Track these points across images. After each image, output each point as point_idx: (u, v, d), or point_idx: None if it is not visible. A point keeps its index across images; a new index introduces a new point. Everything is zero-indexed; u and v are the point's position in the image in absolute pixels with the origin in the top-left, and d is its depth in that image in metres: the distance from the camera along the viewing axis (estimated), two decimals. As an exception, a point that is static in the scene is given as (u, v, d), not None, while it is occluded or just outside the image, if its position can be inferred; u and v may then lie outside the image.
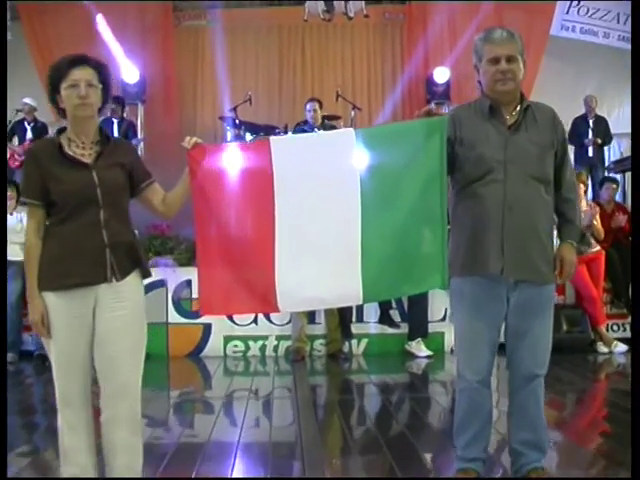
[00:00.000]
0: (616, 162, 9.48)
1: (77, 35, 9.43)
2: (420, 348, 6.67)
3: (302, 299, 2.93)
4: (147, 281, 2.88)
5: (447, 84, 10.01)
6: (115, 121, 9.18)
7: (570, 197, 2.96)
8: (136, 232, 2.90)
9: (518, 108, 2.90)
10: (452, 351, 6.63)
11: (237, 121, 8.81)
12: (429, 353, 6.63)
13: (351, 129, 3.00)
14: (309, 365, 6.59)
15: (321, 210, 2.89)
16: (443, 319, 6.84)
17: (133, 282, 2.77)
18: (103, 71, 2.76)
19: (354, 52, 10.75)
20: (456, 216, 2.92)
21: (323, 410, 5.18)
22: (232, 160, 2.89)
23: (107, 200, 2.70)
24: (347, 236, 2.88)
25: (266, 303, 2.92)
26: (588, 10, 10.36)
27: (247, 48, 10.64)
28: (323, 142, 3.03)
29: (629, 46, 9.39)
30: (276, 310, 2.96)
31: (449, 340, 6.77)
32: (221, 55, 10.43)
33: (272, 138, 2.93)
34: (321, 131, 6.40)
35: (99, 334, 2.71)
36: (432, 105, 3.02)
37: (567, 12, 10.26)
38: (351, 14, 10.43)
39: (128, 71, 9.84)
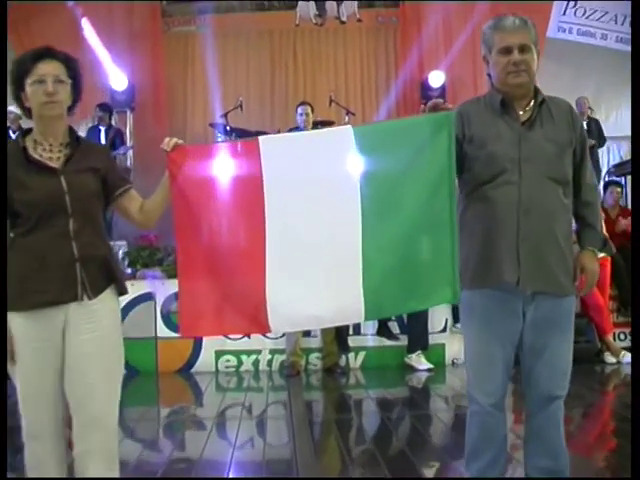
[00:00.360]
0: (616, 166, 9.33)
1: (63, 40, 9.21)
2: (420, 361, 6.46)
3: (296, 318, 2.67)
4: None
5: (442, 88, 9.85)
6: (102, 129, 9.08)
7: (590, 200, 2.72)
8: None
9: (532, 103, 2.66)
10: (453, 364, 6.58)
11: (228, 128, 8.65)
12: (430, 366, 6.43)
13: (349, 126, 2.70)
14: (304, 380, 6.39)
15: (317, 218, 2.63)
16: (444, 330, 6.66)
17: (107, 300, 2.51)
18: (73, 65, 2.50)
19: (347, 56, 10.62)
20: (465, 222, 2.65)
21: (319, 429, 4.98)
22: (217, 163, 2.62)
23: (77, 208, 2.44)
24: (347, 247, 2.62)
25: (256, 323, 2.65)
26: (585, 11, 10.22)
27: (238, 54, 10.54)
28: (318, 141, 2.74)
29: (627, 47, 9.27)
30: (267, 330, 2.69)
31: (450, 352, 6.63)
32: (212, 61, 10.38)
33: (261, 138, 2.64)
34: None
35: (69, 359, 2.45)
36: (439, 99, 2.69)
37: (564, 13, 10.10)
38: (344, 18, 10.36)
39: (116, 78, 9.71)
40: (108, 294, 2.51)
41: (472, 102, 2.78)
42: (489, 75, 2.71)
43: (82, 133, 9.29)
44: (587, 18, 10.22)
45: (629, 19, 9.58)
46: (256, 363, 6.66)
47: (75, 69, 2.50)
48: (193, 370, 6.63)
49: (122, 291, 2.59)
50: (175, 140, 2.57)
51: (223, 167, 2.61)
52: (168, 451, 4.30)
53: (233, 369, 6.66)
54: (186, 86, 10.52)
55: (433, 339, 6.59)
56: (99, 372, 2.46)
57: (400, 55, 10.42)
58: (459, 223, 2.62)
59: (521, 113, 2.65)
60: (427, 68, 10.03)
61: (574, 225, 2.75)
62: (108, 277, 2.52)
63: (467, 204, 2.69)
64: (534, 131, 2.62)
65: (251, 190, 2.60)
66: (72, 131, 2.56)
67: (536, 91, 2.68)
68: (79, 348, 2.44)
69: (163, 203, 2.61)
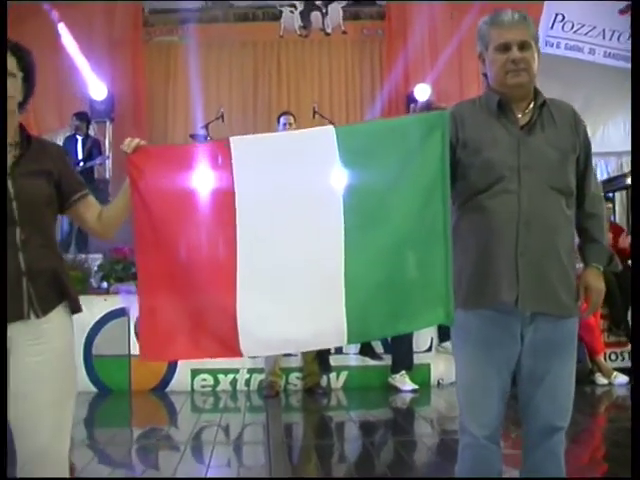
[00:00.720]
0: (605, 182, 9.16)
1: (39, 46, 8.99)
2: (404, 381, 6.23)
3: (271, 341, 2.40)
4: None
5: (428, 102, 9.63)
6: (79, 138, 8.92)
7: (595, 212, 2.49)
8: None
9: (532, 105, 2.44)
10: (439, 384, 6.37)
11: (209, 139, 8.40)
12: (414, 387, 6.20)
13: (330, 127, 2.44)
14: (284, 401, 6.14)
15: (294, 230, 2.38)
16: (429, 350, 6.44)
17: (58, 319, 2.25)
18: (24, 57, 2.25)
19: (332, 68, 10.54)
20: (458, 235, 2.41)
21: (297, 454, 4.74)
22: (183, 167, 2.37)
23: (25, 216, 2.19)
24: (327, 263, 2.37)
25: (225, 346, 2.39)
26: (573, 26, 10.10)
27: (221, 64, 10.48)
28: (296, 143, 2.48)
29: (615, 62, 9.18)
30: (238, 354, 2.42)
31: (436, 372, 6.42)
32: (194, 72, 10.33)
33: (233, 138, 2.38)
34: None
35: (13, 385, 2.18)
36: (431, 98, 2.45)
37: (551, 28, 9.96)
38: (329, 30, 10.24)
39: (95, 87, 9.57)
40: (59, 312, 2.26)
41: (466, 103, 2.55)
42: (485, 75, 2.49)
43: (60, 143, 9.28)
44: (575, 33, 10.10)
45: (617, 34, 9.50)
46: (234, 382, 6.43)
47: (26, 60, 2.25)
48: (168, 389, 6.40)
49: (75, 309, 2.33)
50: (137, 141, 2.32)
51: (190, 172, 2.36)
52: (138, 473, 4.16)
53: (209, 389, 6.42)
54: (167, 97, 10.41)
55: (418, 359, 6.38)
56: (47, 400, 2.19)
57: (385, 67, 10.34)
58: (452, 236, 2.38)
59: (520, 116, 2.43)
60: (413, 81, 9.93)
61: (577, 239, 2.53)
62: (59, 293, 2.26)
63: (461, 215, 2.45)
64: (534, 136, 2.40)
65: (221, 198, 2.35)
66: (22, 129, 2.30)
67: (536, 92, 2.46)
68: (24, 372, 2.17)
69: (124, 211, 2.37)
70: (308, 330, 2.37)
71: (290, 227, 2.37)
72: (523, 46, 2.36)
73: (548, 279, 2.37)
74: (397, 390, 6.20)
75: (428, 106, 2.32)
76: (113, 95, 9.77)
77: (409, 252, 2.40)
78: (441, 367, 6.36)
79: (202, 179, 2.36)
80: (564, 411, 2.44)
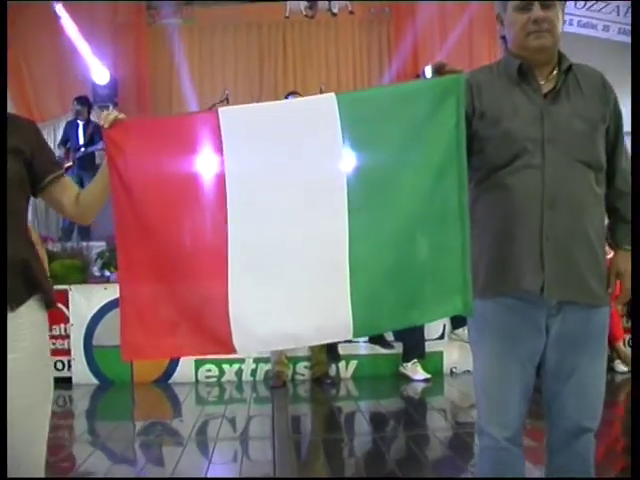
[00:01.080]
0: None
1: (40, 30, 8.95)
2: (416, 370, 6.05)
3: (268, 336, 2.17)
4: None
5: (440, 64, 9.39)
6: (80, 123, 8.80)
7: (626, 190, 2.24)
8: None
9: (556, 71, 2.20)
10: (452, 373, 6.19)
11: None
12: (426, 376, 6.02)
13: (332, 94, 2.17)
14: (291, 391, 5.97)
15: (292, 213, 2.15)
16: (442, 337, 6.22)
17: (30, 314, 2.04)
18: None
19: (339, 49, 10.34)
20: (475, 216, 2.17)
21: (304, 449, 4.57)
22: (166, 142, 2.13)
23: None
24: (330, 248, 2.14)
25: (217, 342, 2.17)
26: (586, 2, 9.85)
27: (225, 47, 10.30)
28: (293, 113, 2.22)
29: (629, 39, 8.89)
30: (231, 351, 2.18)
31: (449, 361, 6.23)
32: (198, 54, 10.27)
33: (222, 109, 2.14)
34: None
35: None
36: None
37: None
38: (335, 10, 10.03)
39: (98, 71, 9.44)
40: (31, 307, 2.04)
41: (483, 70, 2.31)
42: (503, 38, 2.25)
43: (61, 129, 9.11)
44: (588, 10, 9.88)
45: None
46: (239, 373, 6.27)
47: None
48: (171, 381, 6.25)
49: (49, 303, 2.12)
50: (115, 114, 2.09)
51: (174, 147, 2.12)
52: (139, 467, 4.06)
53: (214, 379, 6.27)
54: (171, 80, 10.25)
55: (430, 346, 6.18)
56: (19, 403, 1.98)
57: (394, 48, 10.10)
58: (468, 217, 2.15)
59: (543, 83, 2.18)
60: (422, 61, 9.63)
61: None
62: (31, 285, 2.04)
63: (478, 194, 2.21)
64: (559, 105, 2.16)
65: (209, 176, 2.12)
66: None
67: (560, 57, 2.21)
68: None
69: (103, 193, 2.15)
70: (309, 323, 2.14)
71: (287, 208, 2.13)
72: (546, 5, 2.12)
73: (576, 264, 2.13)
74: (408, 379, 6.03)
75: (440, 69, 2.04)
76: (116, 79, 9.63)
77: (422, 235, 2.16)
78: (454, 355, 6.18)
79: (188, 155, 2.12)
80: (593, 411, 2.21)
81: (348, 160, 2.14)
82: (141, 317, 2.14)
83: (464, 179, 2.09)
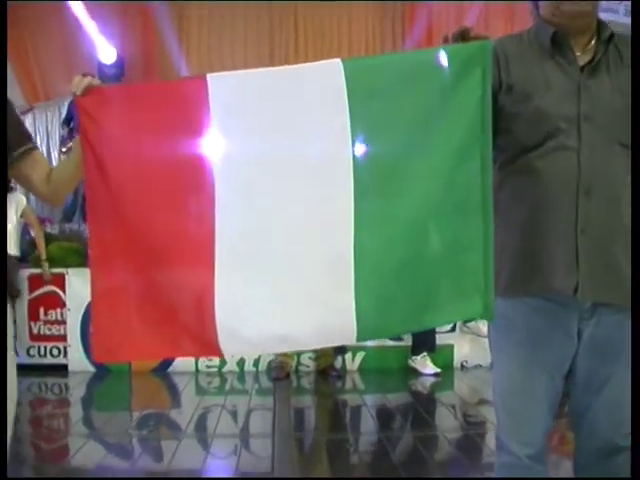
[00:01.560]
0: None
1: (46, 8, 8.77)
2: (426, 364, 5.88)
3: (258, 338, 1.90)
4: None
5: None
6: None
7: None
8: None
9: (594, 41, 1.92)
10: (463, 367, 6.02)
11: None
12: (436, 370, 5.84)
13: (337, 60, 1.88)
14: (294, 383, 5.82)
15: (288, 197, 1.88)
16: (452, 330, 6.02)
17: None
18: None
19: (351, 31, 10.04)
20: (500, 205, 1.90)
21: (305, 447, 4.38)
22: (145, 112, 1.85)
23: None
24: (332, 238, 1.88)
25: (201, 343, 1.91)
26: (608, -14, 9.59)
27: (235, 28, 9.97)
28: (293, 82, 1.92)
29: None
30: (217, 354, 1.92)
31: (460, 354, 6.07)
32: (207, 34, 9.94)
33: (211, 75, 1.86)
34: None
35: None
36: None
37: (586, -12, 9.45)
38: (348, -7, 9.77)
39: (104, 50, 9.19)
40: None
41: (512, 38, 2.02)
42: (534, 3, 1.98)
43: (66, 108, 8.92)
44: (610, -7, 9.61)
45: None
46: (241, 363, 6.11)
47: None
48: (170, 370, 6.10)
49: (11, 293, 1.88)
50: (88, 79, 1.82)
51: (156, 120, 1.84)
52: (133, 458, 3.97)
53: (215, 369, 6.13)
54: (179, 59, 9.96)
55: (440, 339, 5.99)
56: None
57: (408, 31, 9.84)
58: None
59: (580, 54, 1.89)
60: (438, 43, 9.34)
61: None
62: None
63: (502, 179, 1.93)
64: (598, 79, 1.88)
65: (195, 156, 1.85)
66: None
67: (600, 25, 1.93)
68: None
69: (76, 171, 1.89)
70: (306, 324, 1.87)
71: (284, 193, 1.86)
72: None
73: (615, 261, 1.86)
74: (417, 373, 5.87)
75: (464, 35, 1.75)
76: (123, 58, 9.40)
77: (438, 226, 1.87)
78: (465, 348, 6.01)
79: (171, 129, 1.84)
80: (629, 427, 1.95)
81: (355, 138, 1.85)
82: (115, 313, 1.88)
83: (489, 163, 1.81)
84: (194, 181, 1.85)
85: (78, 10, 8.96)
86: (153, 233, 1.86)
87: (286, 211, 1.87)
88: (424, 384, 5.68)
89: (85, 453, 3.98)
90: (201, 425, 4.63)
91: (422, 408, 5.04)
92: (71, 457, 3.95)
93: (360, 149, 1.86)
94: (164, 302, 1.88)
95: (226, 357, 1.73)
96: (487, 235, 1.81)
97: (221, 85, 1.87)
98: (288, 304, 1.87)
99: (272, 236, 1.87)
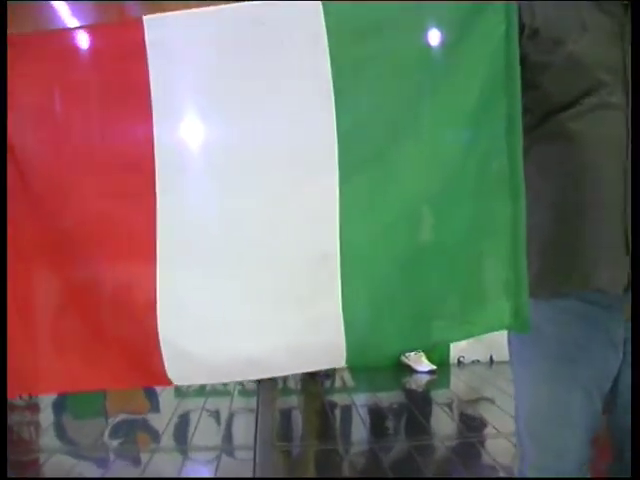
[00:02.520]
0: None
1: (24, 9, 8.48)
2: (420, 361, 5.66)
3: (218, 363, 1.52)
4: None
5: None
6: None
7: None
8: None
9: None
10: (459, 363, 5.81)
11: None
12: (431, 367, 5.62)
13: (318, 2, 1.48)
14: (280, 383, 5.51)
15: (255, 182, 1.50)
16: (448, 324, 5.69)
17: None
18: None
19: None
20: (526, 182, 1.54)
21: (288, 455, 4.19)
22: (63, 68, 1.47)
23: None
24: (311, 232, 1.51)
25: (144, 371, 1.53)
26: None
27: None
28: (257, 25, 1.49)
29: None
30: (165, 383, 1.55)
31: (456, 349, 5.82)
32: None
33: (148, 18, 1.46)
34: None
35: None
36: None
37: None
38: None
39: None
40: None
41: None
42: None
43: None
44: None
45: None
46: (224, 361, 5.75)
47: None
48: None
49: None
50: None
51: (76, 76, 1.46)
52: (106, 465, 3.85)
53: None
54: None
55: (435, 334, 5.69)
56: None
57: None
58: None
59: None
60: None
61: None
62: None
63: (527, 148, 1.56)
64: None
65: (129, 127, 1.48)
66: None
67: None
68: None
69: None
70: (280, 343, 1.50)
71: (247, 175, 1.49)
72: None
73: None
74: (411, 370, 5.64)
75: None
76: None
77: (449, 212, 1.51)
78: (462, 343, 5.67)
79: (96, 87, 1.47)
80: None
81: (339, 103, 1.48)
82: (33, 334, 1.50)
83: (517, 127, 1.45)
84: (127, 156, 1.47)
85: (61, 10, 8.73)
86: (76, 226, 1.48)
87: (251, 199, 1.50)
88: (418, 382, 5.49)
89: (55, 461, 3.85)
90: (180, 428, 4.44)
91: (416, 409, 4.81)
92: (42, 464, 3.84)
93: (345, 118, 1.48)
94: (94, 319, 1.50)
95: (176, 384, 1.39)
96: (517, 220, 1.45)
97: (161, 26, 1.47)
98: (255, 319, 1.49)
99: (232, 228, 1.50)
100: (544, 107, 1.58)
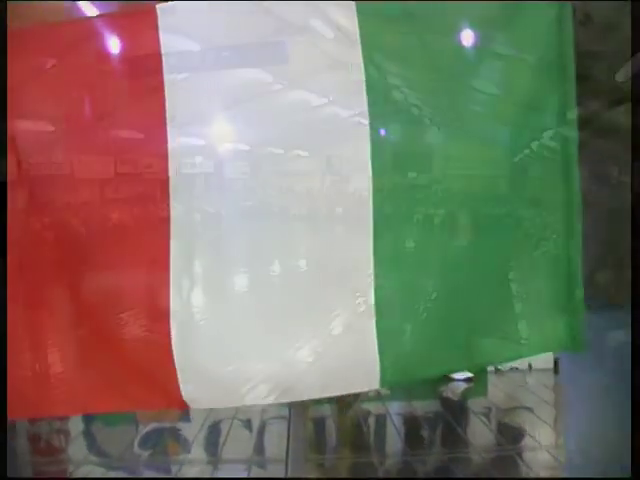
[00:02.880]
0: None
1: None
2: None
3: (238, 386, 1.45)
4: None
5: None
6: None
7: None
8: None
9: None
10: (497, 370, 5.62)
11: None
12: (468, 375, 5.44)
13: (351, 2, 1.38)
14: None
15: (277, 189, 1.42)
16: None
17: None
18: None
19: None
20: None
21: (321, 468, 4.04)
22: (69, 64, 1.39)
23: None
24: (342, 248, 1.42)
25: (159, 394, 1.47)
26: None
27: None
28: (281, 17, 1.43)
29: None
30: (180, 406, 1.49)
31: None
32: None
33: (160, 6, 1.38)
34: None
35: None
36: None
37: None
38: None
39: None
40: None
41: None
42: None
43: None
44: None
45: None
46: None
47: None
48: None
49: None
50: None
51: (81, 73, 1.38)
52: (140, 472, 3.87)
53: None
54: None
55: (473, 340, 5.52)
56: None
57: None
58: None
59: None
60: None
61: None
62: None
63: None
64: None
65: (146, 131, 1.40)
66: None
67: None
68: None
69: None
70: (309, 369, 1.41)
71: (267, 182, 1.40)
72: None
73: None
74: (447, 378, 5.43)
75: None
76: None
77: (498, 228, 1.41)
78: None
79: (112, 73, 1.38)
80: None
81: (373, 112, 1.39)
82: (40, 353, 1.43)
83: (572, 131, 1.34)
84: (144, 161, 1.41)
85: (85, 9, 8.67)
86: (86, 244, 1.41)
87: (273, 214, 1.42)
88: (454, 390, 5.32)
89: (85, 470, 3.84)
90: (211, 438, 4.35)
91: (453, 418, 4.68)
92: (71, 474, 3.82)
93: (380, 128, 1.41)
94: (105, 340, 1.42)
95: (192, 408, 1.32)
96: (571, 232, 1.33)
97: (169, 16, 1.40)
98: (283, 339, 1.40)
99: (252, 247, 1.42)
100: (599, 98, 1.43)
